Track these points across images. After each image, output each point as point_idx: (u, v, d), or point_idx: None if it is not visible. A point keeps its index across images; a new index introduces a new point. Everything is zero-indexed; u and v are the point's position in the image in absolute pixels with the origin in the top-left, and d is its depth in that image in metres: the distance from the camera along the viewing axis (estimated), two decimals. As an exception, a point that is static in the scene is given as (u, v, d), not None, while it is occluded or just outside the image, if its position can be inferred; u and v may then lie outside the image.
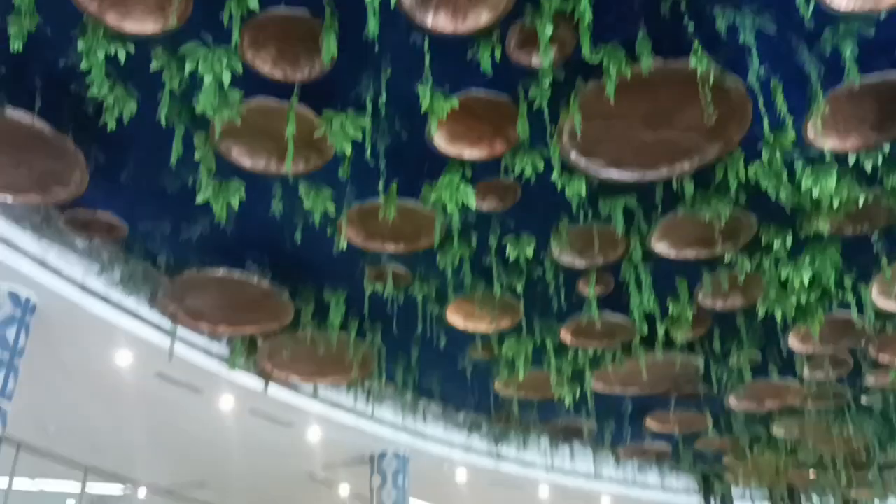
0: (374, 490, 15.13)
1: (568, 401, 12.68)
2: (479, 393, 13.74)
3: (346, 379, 12.85)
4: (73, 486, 11.37)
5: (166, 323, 11.03)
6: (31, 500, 14.83)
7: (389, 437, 14.69)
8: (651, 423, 14.73)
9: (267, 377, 12.49)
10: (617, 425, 15.34)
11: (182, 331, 11.22)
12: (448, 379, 13.66)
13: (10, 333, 9.49)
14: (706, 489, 18.56)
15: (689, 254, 9.45)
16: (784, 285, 9.73)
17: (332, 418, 13.77)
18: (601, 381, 12.42)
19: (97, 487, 14.56)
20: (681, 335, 10.94)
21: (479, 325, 11.02)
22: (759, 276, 9.74)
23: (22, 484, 9.23)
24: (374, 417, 14.32)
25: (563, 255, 9.56)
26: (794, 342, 11.24)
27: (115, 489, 15.45)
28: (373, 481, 15.17)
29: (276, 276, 10.35)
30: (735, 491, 18.79)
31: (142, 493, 13.95)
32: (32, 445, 9.08)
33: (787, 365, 12.31)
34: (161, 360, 11.21)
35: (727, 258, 9.47)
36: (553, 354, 11.65)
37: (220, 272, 10.13)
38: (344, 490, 17.43)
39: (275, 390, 12.72)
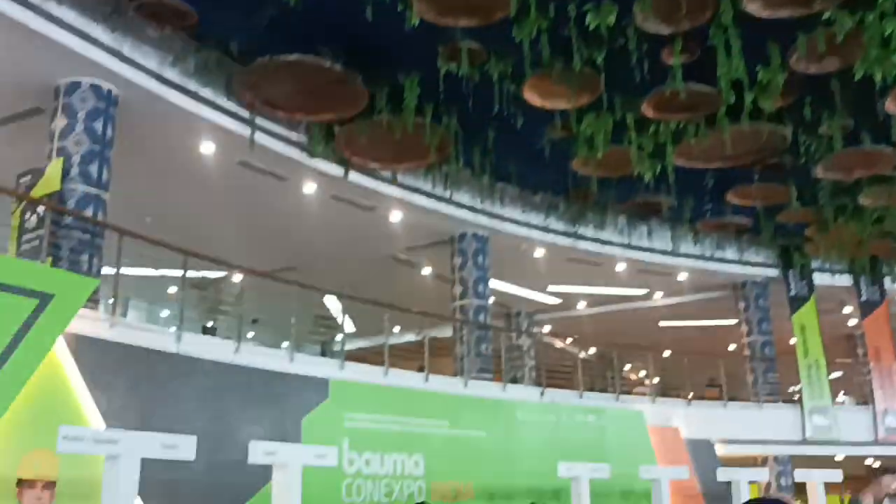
0: (455, 269, 15.69)
1: (648, 177, 12.57)
2: (557, 173, 13.73)
3: (424, 164, 12.96)
4: (174, 273, 12.11)
5: (245, 112, 11.12)
6: (138, 285, 15.91)
7: (468, 220, 14.98)
8: (732, 197, 14.56)
9: (346, 164, 12.66)
10: (697, 200, 15.25)
11: (261, 120, 11.32)
12: (525, 160, 13.63)
13: (98, 126, 9.74)
14: (786, 262, 18.60)
15: (784, 13, 8.82)
16: (887, 42, 9.07)
17: (411, 202, 14.03)
18: (683, 155, 12.17)
19: (196, 273, 15.49)
20: (769, 103, 10.48)
21: (557, 102, 10.77)
22: (859, 34, 9.08)
23: (128, 271, 9.81)
24: (452, 201, 14.53)
25: (647, 21, 9.05)
26: (891, 106, 10.65)
27: (213, 275, 16.40)
28: (454, 261, 15.70)
29: (349, 61, 10.17)
30: (814, 263, 18.79)
31: (237, 277, 14.75)
32: (134, 233, 9.57)
33: (882, 131, 11.76)
34: (243, 149, 11.43)
35: (826, 15, 8.82)
36: (634, 129, 11.41)
37: (293, 58, 10.00)
38: (426, 270, 18.14)
39: (355, 176, 12.92)
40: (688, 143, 11.75)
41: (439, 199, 14.28)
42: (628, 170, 12.56)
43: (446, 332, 16.26)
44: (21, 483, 5.69)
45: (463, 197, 14.62)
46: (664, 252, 17.44)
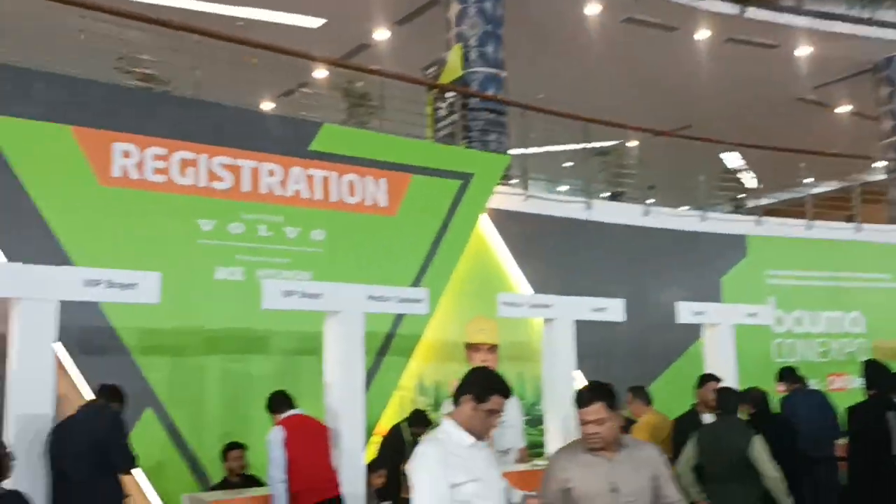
0: (880, 102, 13.56)
1: None
2: None
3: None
4: (568, 147, 12.14)
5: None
6: (534, 163, 16.40)
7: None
8: None
9: (742, -1, 11.44)
10: None
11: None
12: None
13: (489, 5, 9.86)
14: None
15: None
16: None
17: (822, 30, 12.27)
18: None
19: (592, 144, 15.44)
20: None
21: None
22: None
23: (526, 151, 10.00)
24: (873, 21, 12.41)
25: None
26: None
27: (607, 144, 16.22)
28: (879, 93, 13.55)
29: None
30: None
31: (632, 142, 14.42)
32: (537, 107, 9.70)
33: None
34: (627, 5, 10.87)
35: None
36: None
37: None
38: (842, 109, 15.98)
39: (753, 12, 11.64)
40: None
41: (857, 21, 12.30)
42: None
43: (873, 176, 14.30)
44: (469, 347, 6.17)
45: (887, 14, 12.41)
46: None
